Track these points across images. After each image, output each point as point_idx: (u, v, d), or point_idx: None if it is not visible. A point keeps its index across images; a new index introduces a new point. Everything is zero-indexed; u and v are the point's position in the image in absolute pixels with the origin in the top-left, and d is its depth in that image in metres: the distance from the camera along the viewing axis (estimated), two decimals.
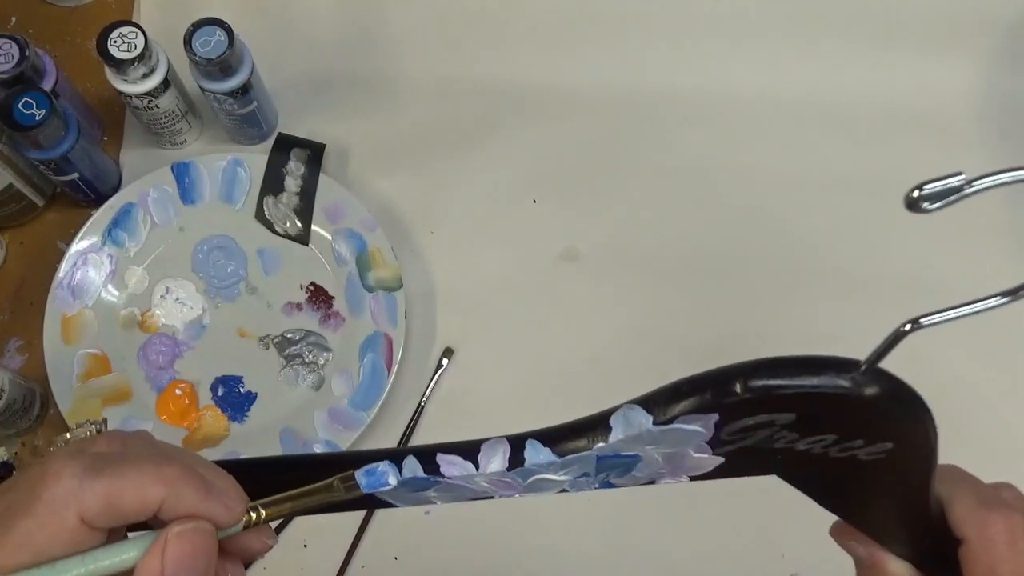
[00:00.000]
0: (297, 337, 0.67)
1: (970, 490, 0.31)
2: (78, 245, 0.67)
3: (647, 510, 0.64)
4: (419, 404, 0.66)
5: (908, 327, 0.25)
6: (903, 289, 0.68)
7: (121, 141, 0.74)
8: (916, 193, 0.22)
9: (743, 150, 0.73)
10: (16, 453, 0.65)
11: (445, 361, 0.67)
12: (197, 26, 0.63)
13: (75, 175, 0.66)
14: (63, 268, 0.67)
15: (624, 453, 0.29)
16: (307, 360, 0.67)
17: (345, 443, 0.63)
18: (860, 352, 0.26)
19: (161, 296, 0.68)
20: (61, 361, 0.65)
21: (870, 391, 0.25)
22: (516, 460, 0.30)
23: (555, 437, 0.30)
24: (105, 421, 0.32)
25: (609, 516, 0.64)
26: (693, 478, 0.31)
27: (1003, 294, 0.25)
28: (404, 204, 0.72)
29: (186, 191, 0.70)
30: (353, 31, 0.77)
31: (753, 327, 0.68)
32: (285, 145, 0.70)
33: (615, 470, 0.30)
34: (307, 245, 0.69)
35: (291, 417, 0.65)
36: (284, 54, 0.75)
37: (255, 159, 0.70)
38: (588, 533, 0.63)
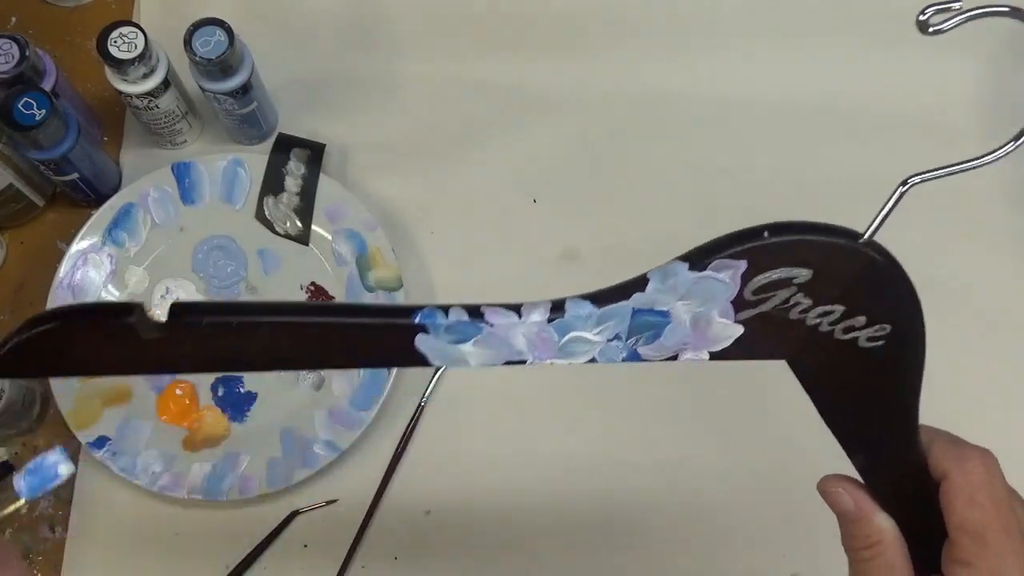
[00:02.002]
0: None
1: (946, 436, 0.34)
2: (78, 245, 0.67)
3: (647, 512, 0.64)
4: (419, 404, 0.66)
5: (901, 189, 0.29)
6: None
7: (121, 141, 0.74)
8: (922, 17, 0.28)
9: (743, 150, 0.73)
10: (16, 453, 0.65)
11: None
12: (197, 26, 0.63)
13: (75, 175, 0.66)
14: (63, 268, 0.67)
15: (657, 308, 0.31)
16: None
17: (345, 443, 0.63)
18: None
19: (161, 296, 0.68)
20: None
21: (872, 252, 0.29)
22: (557, 312, 0.32)
23: (596, 295, 0.32)
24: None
25: (609, 518, 0.64)
26: (713, 356, 0.32)
27: (997, 149, 0.30)
28: (404, 204, 0.72)
29: (186, 191, 0.70)
30: (353, 31, 0.77)
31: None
32: (285, 145, 0.70)
33: (645, 333, 0.32)
34: (307, 245, 0.69)
35: (291, 417, 0.65)
36: (284, 54, 0.75)
37: (255, 159, 0.70)
38: (586, 535, 0.63)
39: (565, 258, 0.70)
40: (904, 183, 0.29)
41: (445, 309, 0.32)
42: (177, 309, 0.30)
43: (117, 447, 0.63)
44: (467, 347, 0.32)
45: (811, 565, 0.63)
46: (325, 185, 0.69)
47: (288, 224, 0.69)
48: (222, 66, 0.63)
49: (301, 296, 0.68)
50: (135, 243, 0.69)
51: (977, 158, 0.29)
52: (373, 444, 0.65)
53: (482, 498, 0.65)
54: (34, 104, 0.60)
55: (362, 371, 0.65)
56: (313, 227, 0.69)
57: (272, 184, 0.70)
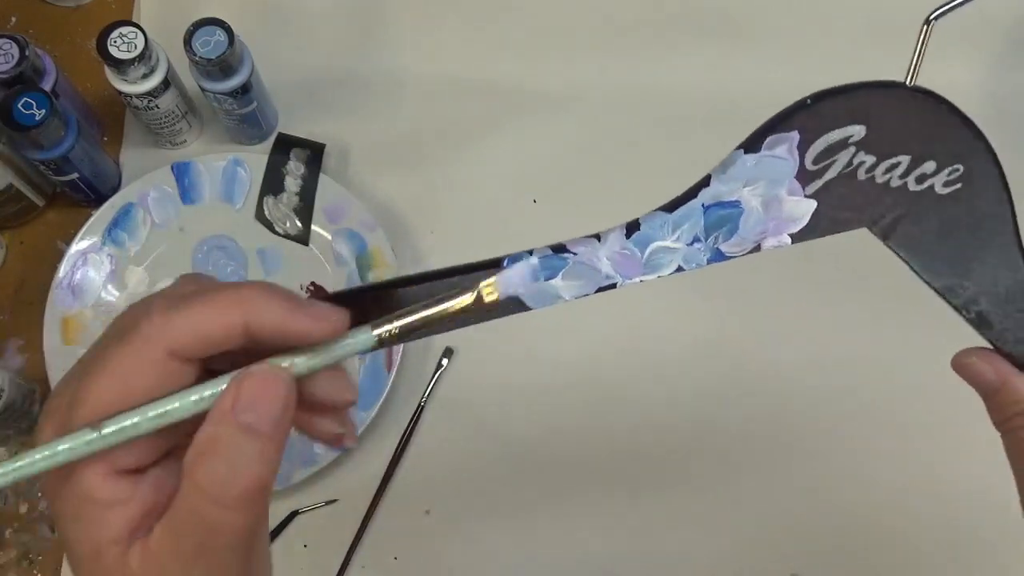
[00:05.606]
0: None
1: None
2: (78, 245, 0.67)
3: (649, 511, 0.64)
4: (419, 404, 0.66)
5: (926, 28, 0.31)
6: (906, 286, 0.67)
7: (121, 141, 0.74)
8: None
9: None
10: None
11: (445, 361, 0.67)
12: (197, 26, 0.63)
13: (75, 175, 0.66)
14: (63, 268, 0.67)
15: (726, 199, 0.32)
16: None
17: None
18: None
19: None
20: (61, 361, 0.65)
21: (919, 94, 0.30)
22: (633, 228, 0.33)
23: (666, 205, 0.33)
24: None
25: (611, 519, 0.64)
26: (794, 238, 0.33)
27: None
28: (404, 204, 0.72)
29: (186, 191, 0.70)
30: (353, 31, 0.77)
31: (754, 326, 0.68)
32: (285, 145, 0.70)
33: (723, 228, 0.33)
34: (307, 245, 0.69)
35: None
36: (284, 54, 0.75)
37: (255, 159, 0.70)
38: (587, 536, 0.63)
39: None
40: (927, 23, 0.30)
41: (530, 252, 0.33)
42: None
43: None
44: (558, 282, 0.34)
45: (811, 565, 0.63)
46: (325, 185, 0.69)
47: (288, 224, 0.69)
48: (222, 66, 0.63)
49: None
50: (135, 243, 0.69)
51: None
52: (373, 444, 0.65)
53: (482, 497, 0.65)
54: (34, 104, 0.60)
55: (362, 372, 0.65)
56: (313, 227, 0.69)
57: (272, 184, 0.70)
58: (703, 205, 0.33)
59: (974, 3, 0.82)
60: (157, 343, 0.27)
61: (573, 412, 0.66)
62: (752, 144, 0.31)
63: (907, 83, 0.30)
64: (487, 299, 0.32)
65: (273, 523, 0.63)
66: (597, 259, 0.33)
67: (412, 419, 0.66)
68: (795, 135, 0.31)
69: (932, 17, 0.30)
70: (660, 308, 0.68)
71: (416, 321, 0.30)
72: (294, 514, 0.64)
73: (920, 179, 0.31)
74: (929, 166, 0.31)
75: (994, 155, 0.31)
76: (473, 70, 0.75)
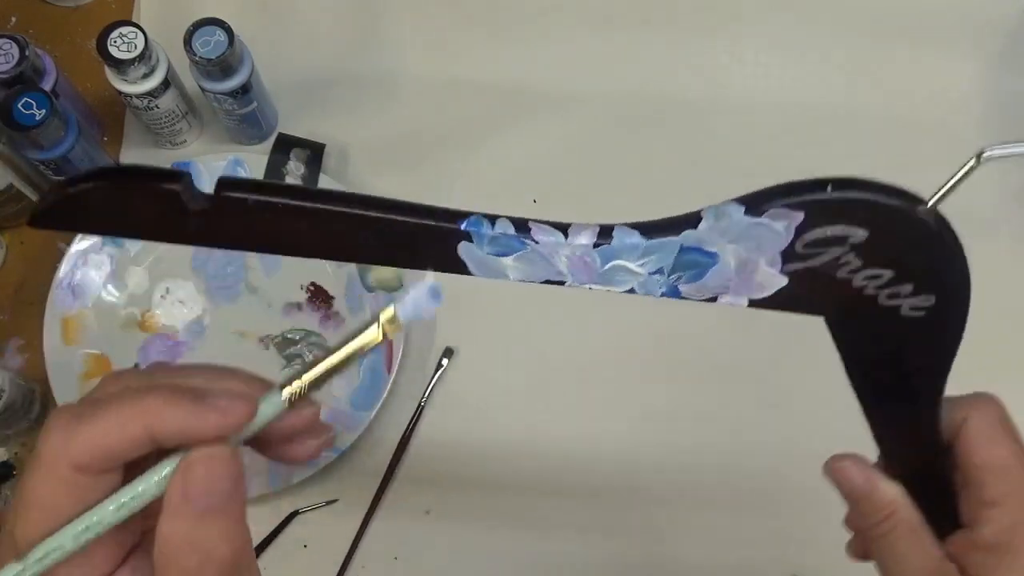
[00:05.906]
0: (297, 337, 0.67)
1: (955, 397, 0.34)
2: (78, 245, 0.67)
3: (650, 511, 0.64)
4: (419, 404, 0.66)
5: (973, 162, 0.29)
6: None
7: (121, 141, 0.74)
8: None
9: (744, 150, 0.73)
10: (16, 453, 0.65)
11: (445, 361, 0.67)
12: (197, 26, 0.63)
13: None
14: (63, 268, 0.67)
15: (706, 248, 0.31)
16: (307, 360, 0.67)
17: (345, 443, 0.63)
18: None
19: (161, 296, 0.68)
20: (61, 361, 0.65)
21: (932, 221, 0.29)
22: (604, 238, 0.31)
23: (645, 226, 0.32)
24: None
25: (612, 520, 0.64)
26: (752, 303, 0.32)
27: None
28: None
29: None
30: (353, 31, 0.77)
31: (761, 336, 0.68)
32: (285, 145, 0.70)
33: (689, 272, 0.32)
34: None
35: None
36: (284, 54, 0.75)
37: (255, 159, 0.70)
38: (588, 535, 0.63)
39: None
40: (978, 157, 0.29)
41: (492, 219, 0.31)
42: (225, 183, 0.30)
43: None
44: (508, 261, 0.32)
45: (811, 565, 0.63)
46: (325, 185, 0.69)
47: None
48: (222, 66, 0.63)
49: (302, 296, 0.68)
50: (135, 243, 0.69)
51: None
52: (373, 444, 0.65)
53: (482, 497, 0.65)
54: (34, 104, 0.60)
55: (362, 371, 0.65)
56: None
57: None
58: (682, 245, 0.31)
59: (976, 4, 0.82)
60: (60, 462, 0.26)
61: (574, 412, 0.66)
62: (754, 205, 0.30)
63: (929, 205, 0.29)
64: (390, 334, 0.30)
65: (273, 523, 0.63)
66: (556, 255, 0.32)
67: (412, 419, 0.66)
68: (800, 216, 0.30)
69: (984, 154, 0.29)
70: (663, 311, 0.68)
71: (323, 372, 0.29)
72: (294, 514, 0.64)
73: (892, 296, 0.31)
74: (907, 287, 0.30)
75: (967, 307, 0.31)
76: (473, 70, 0.75)
